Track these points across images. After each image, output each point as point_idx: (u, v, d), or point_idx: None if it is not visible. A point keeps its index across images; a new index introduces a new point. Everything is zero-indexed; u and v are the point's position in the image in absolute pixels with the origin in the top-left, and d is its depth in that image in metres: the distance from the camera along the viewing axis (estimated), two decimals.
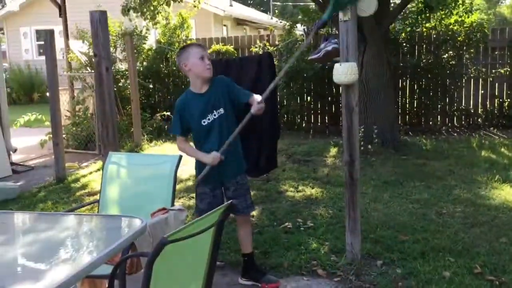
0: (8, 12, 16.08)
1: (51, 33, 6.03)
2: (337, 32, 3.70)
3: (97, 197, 3.35)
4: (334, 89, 9.34)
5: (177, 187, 5.72)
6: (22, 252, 2.13)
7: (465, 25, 9.11)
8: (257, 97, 3.23)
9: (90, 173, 6.64)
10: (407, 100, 9.53)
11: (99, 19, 3.88)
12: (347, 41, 3.40)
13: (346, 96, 3.48)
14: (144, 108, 9.60)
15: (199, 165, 3.36)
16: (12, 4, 11.02)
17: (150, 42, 10.69)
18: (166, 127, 9.43)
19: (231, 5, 20.89)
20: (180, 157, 3.18)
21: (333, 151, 7.45)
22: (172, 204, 3.06)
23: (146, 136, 8.72)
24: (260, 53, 9.18)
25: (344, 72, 3.33)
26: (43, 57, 6.92)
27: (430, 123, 9.47)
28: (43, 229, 2.50)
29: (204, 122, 3.23)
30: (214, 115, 3.24)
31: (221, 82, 3.33)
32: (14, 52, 18.74)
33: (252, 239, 3.53)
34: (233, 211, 3.35)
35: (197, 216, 3.31)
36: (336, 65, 3.38)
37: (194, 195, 5.49)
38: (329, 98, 9.51)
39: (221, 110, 3.25)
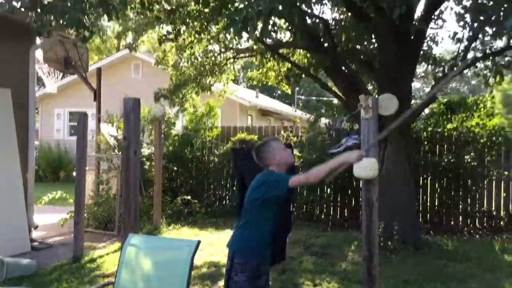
0: (45, 93, 16.95)
1: (85, 115, 6.33)
2: (358, 128, 3.83)
3: (111, 278, 3.35)
4: (354, 183, 9.37)
5: (192, 273, 5.69)
6: None
7: (486, 128, 9.24)
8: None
9: (107, 254, 6.64)
10: (428, 198, 9.47)
11: (132, 106, 4.11)
12: (368, 137, 3.52)
13: (366, 191, 3.53)
14: (166, 191, 9.73)
15: (262, 243, 3.31)
16: (50, 87, 11.71)
17: (177, 127, 11.06)
18: (186, 211, 9.48)
19: (257, 97, 21.65)
20: (199, 242, 3.21)
21: (352, 245, 7.34)
22: None
23: (165, 219, 8.77)
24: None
25: (365, 167, 3.41)
26: (73, 137, 7.22)
27: (452, 223, 9.31)
28: None
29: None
30: None
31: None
32: (46, 131, 19.50)
33: None
34: None
35: None
36: None
37: (208, 282, 5.43)
38: (349, 191, 9.52)
39: None
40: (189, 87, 9.85)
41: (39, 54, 8.18)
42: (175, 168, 10.42)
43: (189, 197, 9.64)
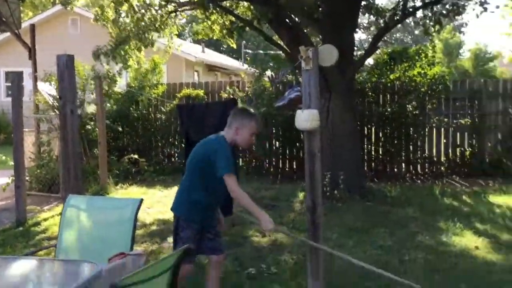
0: None
1: (18, 75, 6.01)
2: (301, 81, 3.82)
3: (56, 241, 3.27)
4: (301, 135, 9.48)
5: (141, 231, 5.66)
6: None
7: (427, 77, 9.48)
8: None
9: (52, 216, 6.48)
10: (373, 147, 9.74)
11: (66, 63, 3.91)
12: (309, 89, 3.51)
13: (308, 142, 3.55)
14: (112, 151, 9.52)
15: (189, 203, 3.30)
16: None
17: (121, 85, 10.72)
18: (133, 170, 9.34)
19: (203, 51, 21.25)
20: (141, 200, 3.16)
21: (300, 196, 7.49)
22: (131, 249, 3.02)
23: (112, 179, 8.60)
24: (226, 99, 9.32)
25: (306, 118, 3.42)
26: (10, 99, 6.87)
27: (395, 170, 9.66)
28: None
29: None
30: None
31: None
32: None
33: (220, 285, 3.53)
34: (213, 251, 3.42)
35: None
36: (298, 112, 3.47)
37: (158, 239, 5.43)
38: (297, 143, 9.64)
39: None
40: (131, 44, 9.50)
41: None
42: (120, 128, 10.16)
43: (136, 156, 9.48)
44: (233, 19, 9.01)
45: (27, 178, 7.11)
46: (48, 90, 8.87)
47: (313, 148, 3.53)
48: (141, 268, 2.63)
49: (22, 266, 2.55)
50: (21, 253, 4.87)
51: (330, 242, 5.11)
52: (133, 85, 10.57)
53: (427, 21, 8.14)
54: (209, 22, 10.24)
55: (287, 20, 7.61)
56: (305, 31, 8.20)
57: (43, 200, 7.58)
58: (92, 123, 9.40)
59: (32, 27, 8.70)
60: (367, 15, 9.32)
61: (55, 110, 8.75)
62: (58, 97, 5.05)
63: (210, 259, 3.50)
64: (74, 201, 3.22)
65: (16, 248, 5.14)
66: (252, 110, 3.58)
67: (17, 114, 5.93)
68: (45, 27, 16.31)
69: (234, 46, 11.34)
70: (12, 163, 6.60)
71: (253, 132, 3.36)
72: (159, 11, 9.43)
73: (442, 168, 9.55)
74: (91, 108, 9.61)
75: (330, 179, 6.96)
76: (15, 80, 5.94)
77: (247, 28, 8.40)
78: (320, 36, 8.35)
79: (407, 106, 9.41)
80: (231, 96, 9.63)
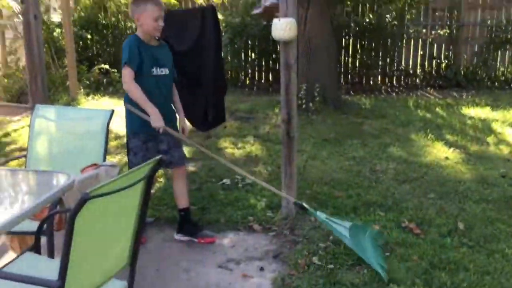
0: None
1: None
2: None
3: (25, 152, 3.20)
4: (278, 46, 9.28)
5: (114, 143, 5.61)
6: None
7: None
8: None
9: (23, 127, 6.35)
10: (350, 59, 9.64)
11: None
12: None
13: (284, 52, 3.45)
14: (82, 61, 9.20)
15: (133, 115, 3.20)
16: None
17: None
18: (104, 80, 9.10)
19: None
20: (113, 111, 3.08)
21: (276, 108, 7.47)
22: (104, 160, 2.99)
23: (83, 90, 8.39)
24: (204, 5, 8.93)
25: (283, 28, 3.29)
26: None
27: (371, 82, 9.66)
28: None
29: (153, 72, 3.17)
30: (161, 71, 3.22)
31: (169, 50, 3.40)
32: None
33: (187, 193, 3.51)
34: (169, 165, 3.35)
35: None
36: (275, 21, 3.33)
37: None
38: (274, 55, 9.47)
39: (167, 71, 3.26)
40: None
41: None
42: (89, 36, 9.74)
43: (107, 67, 9.19)
44: None
45: None
46: None
47: (289, 59, 3.44)
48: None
49: None
50: None
51: (304, 153, 5.17)
52: None
53: None
54: None
55: None
56: None
57: (12, 111, 7.39)
58: (58, 30, 8.99)
59: None
60: None
61: (20, 16, 8.29)
62: (20, 1, 4.74)
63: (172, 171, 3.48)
64: (43, 111, 3.11)
65: None
66: None
67: None
68: None
69: None
70: None
71: (156, 16, 3.11)
72: None
73: (417, 80, 9.59)
74: (57, 15, 9.16)
75: (306, 91, 6.92)
76: None
77: None
78: None
79: (386, 16, 9.22)
80: (208, 2, 9.23)
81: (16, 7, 8.31)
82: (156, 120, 3.06)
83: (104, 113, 3.07)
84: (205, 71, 4.48)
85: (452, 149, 5.38)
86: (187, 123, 3.59)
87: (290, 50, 3.43)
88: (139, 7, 3.14)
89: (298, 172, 3.92)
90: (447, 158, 5.10)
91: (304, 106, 6.87)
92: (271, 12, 3.57)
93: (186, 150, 5.29)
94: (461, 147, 5.48)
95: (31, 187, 2.44)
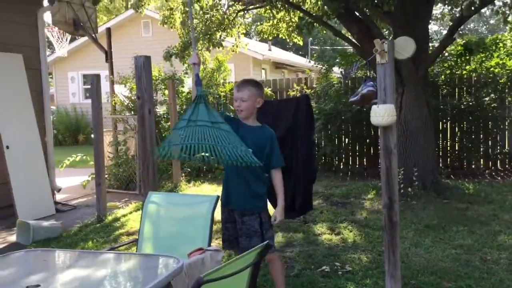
0: (57, 57, 16.91)
1: (97, 77, 6.29)
2: (374, 75, 3.72)
3: (136, 236, 3.39)
4: (372, 131, 9.29)
5: (214, 227, 5.76)
6: None
7: (506, 68, 8.98)
8: (279, 211, 3.36)
9: (130, 212, 6.75)
10: (448, 142, 9.36)
11: (143, 64, 4.05)
12: (384, 83, 3.41)
13: (384, 138, 3.46)
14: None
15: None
16: (61, 51, 11.74)
17: (189, 85, 10.97)
18: (204, 168, 9.52)
19: (269, 50, 21.32)
20: (218, 197, 3.21)
21: (372, 193, 7.34)
22: (209, 245, 3.08)
23: (184, 177, 8.84)
24: (298, 95, 9.27)
25: (382, 114, 3.33)
26: (89, 101, 7.22)
27: (473, 166, 9.23)
28: (82, 267, 2.56)
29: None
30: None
31: (268, 135, 3.42)
32: (61, 95, 19.59)
33: (282, 280, 3.48)
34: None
35: None
36: (374, 107, 3.38)
37: None
38: (367, 140, 9.45)
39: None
40: (200, 44, 9.71)
41: (47, 17, 8.10)
42: None
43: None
44: (301, 15, 8.95)
45: (106, 176, 7.43)
46: (123, 91, 9.26)
47: (389, 144, 3.43)
48: (222, 264, 2.68)
49: (105, 260, 2.66)
50: (102, 247, 5.11)
51: (406, 240, 4.97)
52: None
53: (507, 9, 7.70)
54: (275, 21, 10.27)
55: (356, 13, 7.46)
56: (375, 24, 8.00)
57: (120, 196, 7.91)
58: (163, 122, 9.71)
59: (109, 31, 9.10)
60: (439, 5, 8.95)
61: (131, 110, 9.11)
62: (135, 97, 5.23)
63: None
64: (154, 198, 3.32)
65: (98, 243, 5.39)
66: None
67: (96, 115, 6.21)
68: (119, 31, 17.00)
69: (301, 43, 11.29)
70: (91, 162, 6.94)
71: (235, 97, 3.41)
72: (227, 11, 9.56)
73: None
74: (162, 108, 9.94)
75: (404, 175, 6.76)
76: (93, 82, 6.23)
77: (315, 24, 8.31)
78: (391, 29, 8.13)
79: (484, 99, 8.96)
80: (299, 93, 9.59)
81: (127, 102, 9.17)
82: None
83: (210, 199, 3.21)
84: (296, 159, 4.57)
85: None
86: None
87: (389, 135, 3.43)
88: None
89: (401, 261, 3.76)
90: None
91: (402, 191, 6.68)
92: (368, 99, 3.64)
93: (282, 236, 5.32)
94: None
95: (143, 270, 2.56)
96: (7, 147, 6.34)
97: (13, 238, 5.77)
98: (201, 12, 9.85)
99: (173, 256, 2.46)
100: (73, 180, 9.03)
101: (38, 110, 7.10)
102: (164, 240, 3.24)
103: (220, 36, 9.72)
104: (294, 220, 5.68)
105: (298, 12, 9.03)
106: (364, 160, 9.63)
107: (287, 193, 4.75)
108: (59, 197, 7.66)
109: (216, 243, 5.21)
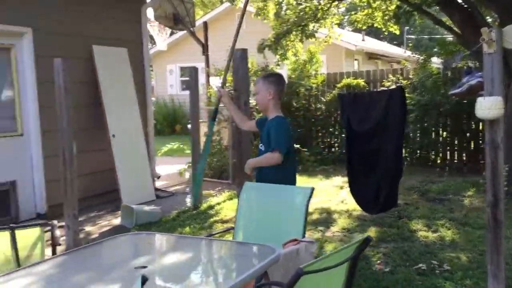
0: (157, 51, 17.73)
1: (195, 70, 6.54)
2: (477, 66, 3.53)
3: (229, 224, 3.50)
4: (473, 124, 8.78)
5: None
6: (161, 272, 2.30)
7: None
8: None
9: (224, 201, 6.96)
10: None
11: (241, 56, 4.14)
12: (492, 74, 3.22)
13: (490, 132, 3.27)
14: None
15: None
16: (161, 44, 12.36)
17: None
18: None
19: (363, 40, 20.85)
20: (313, 189, 3.22)
21: (472, 190, 6.96)
22: (303, 236, 3.10)
23: None
24: (392, 87, 8.98)
25: (489, 106, 3.15)
26: (185, 92, 7.52)
27: None
28: (184, 252, 2.69)
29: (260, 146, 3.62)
30: (261, 146, 3.64)
31: (273, 123, 3.56)
32: (160, 87, 20.56)
33: None
34: None
35: None
36: (480, 99, 3.20)
37: (321, 227, 5.50)
38: (468, 133, 8.95)
39: (262, 147, 3.61)
40: (293, 35, 9.71)
41: (149, 13, 8.52)
42: None
43: (298, 146, 9.68)
44: (399, 3, 8.65)
45: None
46: (218, 83, 9.52)
47: (495, 138, 3.24)
48: (314, 255, 2.70)
49: (205, 246, 2.78)
50: (199, 233, 5.32)
51: (511, 241, 4.67)
52: (293, 76, 10.76)
53: None
54: (370, 10, 10.01)
55: (458, 0, 7.08)
56: (479, 11, 7.54)
57: (214, 185, 8.18)
58: (255, 113, 9.86)
59: (205, 25, 9.41)
60: None
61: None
62: (233, 89, 5.37)
63: None
64: (250, 187, 3.40)
65: (194, 229, 5.62)
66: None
67: (194, 106, 6.46)
68: (214, 25, 17.45)
69: (397, 32, 10.92)
70: (188, 151, 7.25)
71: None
72: (321, 1, 9.47)
73: None
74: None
75: (509, 172, 6.33)
76: (192, 74, 6.47)
77: (414, 13, 8.00)
78: (496, 16, 7.61)
79: None
80: (396, 85, 9.29)
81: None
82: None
83: (304, 190, 3.22)
84: (384, 152, 4.44)
85: None
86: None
87: (496, 129, 3.24)
88: None
89: (505, 262, 3.55)
90: None
91: (506, 188, 6.26)
92: (475, 91, 3.45)
93: (376, 231, 5.22)
94: None
95: (241, 258, 2.65)
96: (113, 135, 6.79)
97: (117, 221, 6.19)
98: (294, 2, 9.85)
99: (270, 246, 2.52)
100: (170, 168, 9.47)
101: (141, 101, 7.53)
102: (259, 229, 3.31)
103: (313, 27, 9.66)
104: (388, 215, 5.57)
105: (396, 0, 8.73)
106: (464, 154, 9.14)
107: (371, 186, 4.67)
108: (158, 184, 8.08)
109: (307, 234, 5.24)
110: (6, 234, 3.47)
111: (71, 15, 6.64)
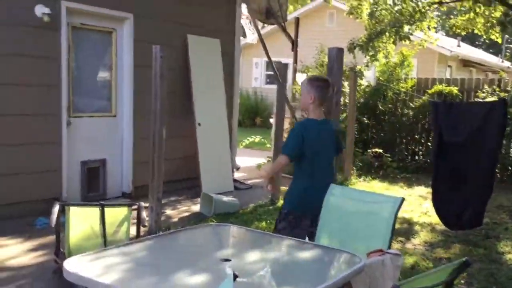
0: (245, 43, 17.94)
1: (285, 66, 6.53)
2: None
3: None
4: None
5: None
6: (244, 268, 2.29)
7: None
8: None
9: None
10: None
11: (336, 56, 4.06)
12: None
13: None
14: (356, 143, 9.64)
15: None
16: (251, 37, 12.50)
17: (368, 79, 10.73)
18: (376, 164, 9.31)
19: (458, 46, 19.85)
20: (403, 199, 3.09)
21: None
22: (389, 247, 2.98)
23: (355, 171, 8.74)
24: (492, 99, 8.43)
25: None
26: (269, 86, 7.54)
27: None
28: (267, 249, 2.68)
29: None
30: None
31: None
32: (245, 79, 20.80)
33: None
34: None
35: None
36: None
37: (401, 238, 5.30)
38: None
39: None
40: (386, 37, 9.43)
41: (243, 6, 8.60)
42: (366, 121, 10.19)
43: (380, 150, 9.42)
44: (504, 9, 8.12)
45: None
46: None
47: None
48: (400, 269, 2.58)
49: (288, 246, 2.74)
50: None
51: None
52: (381, 78, 10.45)
53: None
54: (472, 14, 9.50)
55: None
56: None
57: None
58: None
59: (297, 21, 9.35)
60: None
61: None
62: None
63: None
64: (335, 191, 3.32)
65: (270, 225, 5.60)
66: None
67: (281, 101, 6.45)
68: (303, 21, 17.36)
69: (499, 40, 10.29)
70: (268, 145, 7.26)
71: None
72: (420, 3, 9.11)
73: None
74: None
75: None
76: (281, 70, 6.46)
77: None
78: None
79: None
80: (492, 96, 8.75)
81: None
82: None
83: (394, 200, 3.10)
84: (475, 168, 4.19)
85: None
86: None
87: None
88: None
89: None
90: None
91: None
92: None
93: (460, 249, 4.94)
94: None
95: (324, 263, 2.59)
96: (199, 124, 6.93)
97: (196, 207, 6.32)
98: (391, 2, 9.56)
99: (355, 254, 2.44)
100: (249, 160, 9.54)
101: (228, 93, 7.63)
102: (341, 234, 3.22)
103: (409, 29, 9.32)
104: (474, 233, 5.28)
105: (500, 7, 8.21)
106: None
107: (457, 202, 4.42)
108: (237, 175, 8.17)
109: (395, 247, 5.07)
110: (96, 210, 3.67)
111: (169, 3, 6.83)
